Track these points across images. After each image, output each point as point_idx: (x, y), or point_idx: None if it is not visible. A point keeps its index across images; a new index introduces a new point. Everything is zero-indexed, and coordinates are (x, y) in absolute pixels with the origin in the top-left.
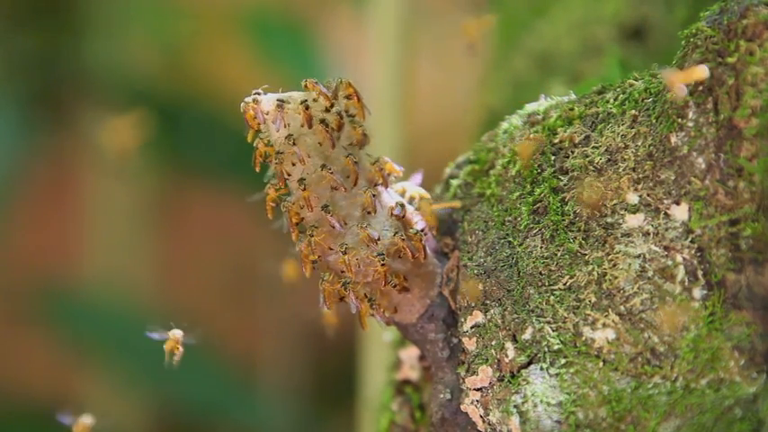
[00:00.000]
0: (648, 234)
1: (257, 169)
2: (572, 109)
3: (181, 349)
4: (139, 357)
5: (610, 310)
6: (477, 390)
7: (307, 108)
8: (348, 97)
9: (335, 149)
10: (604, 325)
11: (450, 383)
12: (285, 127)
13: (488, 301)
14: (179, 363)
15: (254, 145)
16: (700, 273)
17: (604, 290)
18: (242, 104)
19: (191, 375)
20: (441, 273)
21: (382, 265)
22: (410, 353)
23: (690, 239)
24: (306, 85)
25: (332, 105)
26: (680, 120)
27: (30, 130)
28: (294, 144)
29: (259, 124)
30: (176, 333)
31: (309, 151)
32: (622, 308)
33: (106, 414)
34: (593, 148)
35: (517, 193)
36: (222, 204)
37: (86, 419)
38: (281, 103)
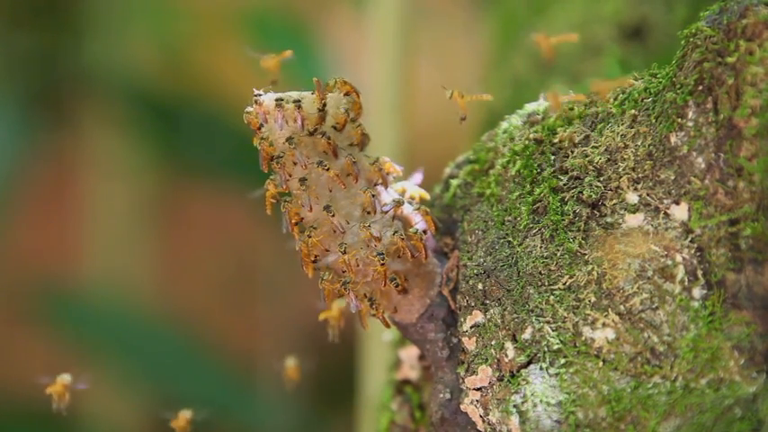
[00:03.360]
0: (648, 234)
1: (265, 170)
2: (572, 109)
3: (67, 396)
4: (139, 357)
5: (609, 309)
6: (477, 389)
7: (299, 108)
8: (347, 94)
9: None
10: (604, 325)
11: (449, 383)
12: (287, 124)
13: (488, 301)
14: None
15: (258, 146)
16: (699, 272)
17: (604, 289)
18: (244, 116)
19: (191, 375)
20: (440, 272)
21: (382, 264)
22: (410, 352)
23: (689, 239)
24: (318, 88)
25: (323, 106)
26: (680, 119)
27: (30, 130)
28: (294, 146)
29: (261, 125)
30: (64, 378)
31: (309, 152)
32: (622, 307)
33: (107, 414)
34: (592, 147)
35: (517, 193)
36: (222, 204)
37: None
38: (279, 103)
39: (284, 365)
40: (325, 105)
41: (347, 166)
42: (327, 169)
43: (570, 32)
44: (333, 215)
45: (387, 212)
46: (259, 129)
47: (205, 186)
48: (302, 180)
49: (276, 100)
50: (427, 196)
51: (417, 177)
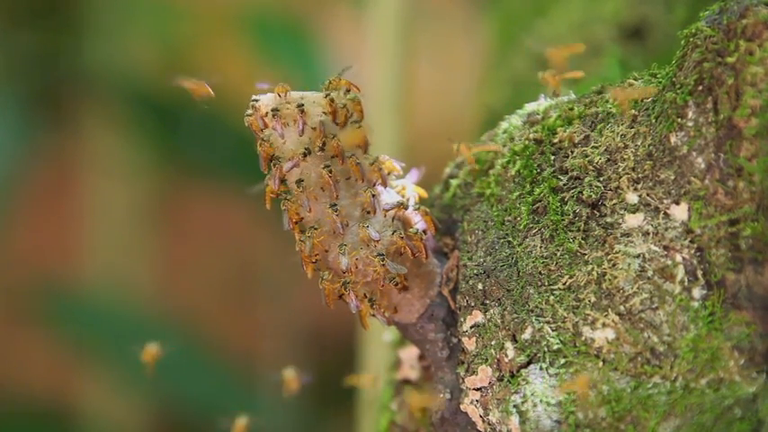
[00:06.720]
0: (648, 234)
1: (265, 171)
2: (572, 109)
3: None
4: (139, 357)
5: (609, 309)
6: (477, 389)
7: (302, 112)
8: (347, 91)
9: None
10: (604, 325)
11: (449, 383)
12: (286, 127)
13: (488, 301)
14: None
15: (258, 148)
16: (699, 272)
17: (604, 290)
18: (245, 119)
19: (191, 375)
20: (440, 272)
21: (382, 265)
22: (410, 353)
23: (689, 239)
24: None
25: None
26: (679, 119)
27: (30, 130)
28: (305, 157)
29: (262, 129)
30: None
31: (312, 156)
32: (622, 308)
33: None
34: (592, 147)
35: (517, 193)
36: (222, 204)
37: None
38: (276, 113)
39: (283, 376)
40: (334, 104)
41: (352, 168)
42: (330, 173)
43: (572, 37)
44: (337, 213)
45: (387, 213)
46: (261, 131)
47: (205, 186)
48: (299, 182)
49: (273, 110)
50: (425, 194)
51: (414, 175)
